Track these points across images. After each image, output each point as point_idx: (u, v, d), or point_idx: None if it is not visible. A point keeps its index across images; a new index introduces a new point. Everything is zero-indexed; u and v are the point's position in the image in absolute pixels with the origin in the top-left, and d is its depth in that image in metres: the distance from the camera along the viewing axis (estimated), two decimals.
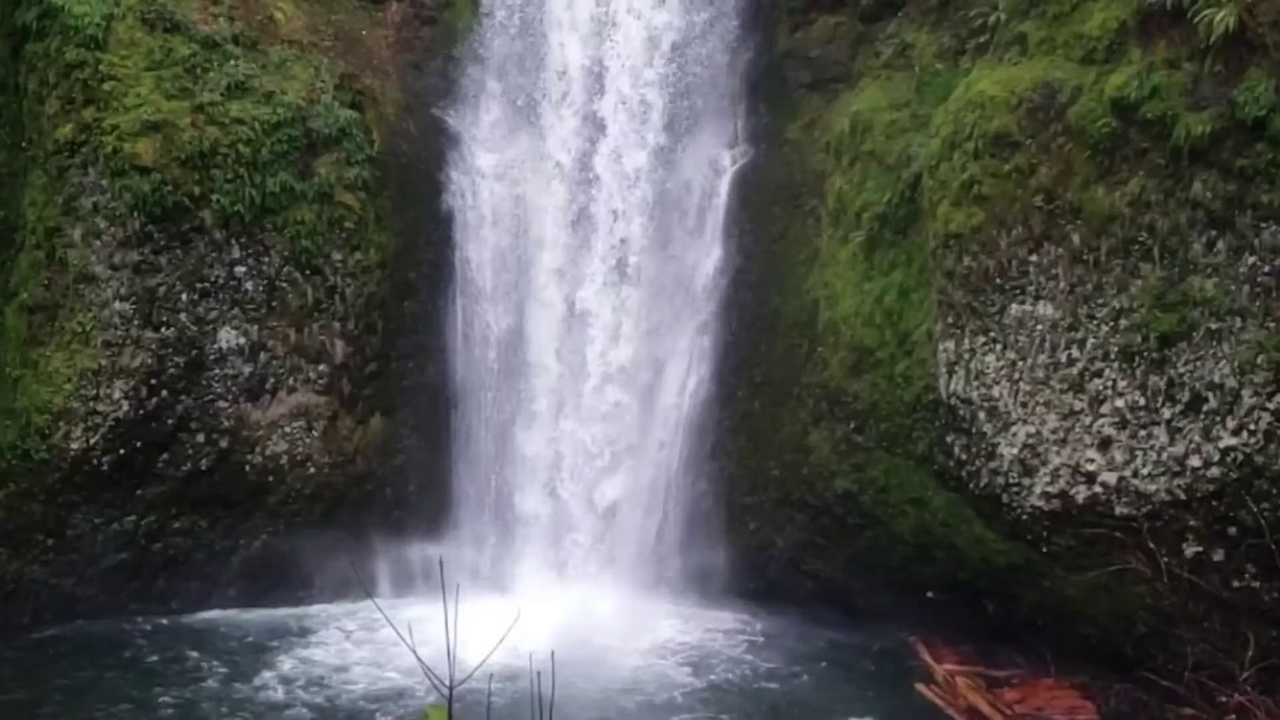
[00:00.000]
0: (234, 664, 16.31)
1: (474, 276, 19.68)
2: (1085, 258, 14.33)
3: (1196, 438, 13.74)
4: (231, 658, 16.53)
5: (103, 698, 15.20)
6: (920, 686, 15.69)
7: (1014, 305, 14.96)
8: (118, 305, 17.37)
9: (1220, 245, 13.45)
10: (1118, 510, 14.34)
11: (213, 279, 17.81)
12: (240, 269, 17.94)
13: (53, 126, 17.42)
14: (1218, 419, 13.56)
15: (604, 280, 19.16)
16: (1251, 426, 13.32)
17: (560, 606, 16.82)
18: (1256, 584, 13.57)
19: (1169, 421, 13.93)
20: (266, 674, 16.08)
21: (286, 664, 16.46)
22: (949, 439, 15.73)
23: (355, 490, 18.94)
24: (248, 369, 18.09)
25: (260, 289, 18.06)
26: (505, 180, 19.68)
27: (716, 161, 19.22)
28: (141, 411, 17.52)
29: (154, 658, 16.56)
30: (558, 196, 19.42)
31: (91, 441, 17.33)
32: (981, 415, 15.29)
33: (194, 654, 16.62)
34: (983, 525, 15.66)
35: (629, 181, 19.08)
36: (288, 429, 18.41)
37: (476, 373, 19.62)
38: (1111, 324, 14.23)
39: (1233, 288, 13.36)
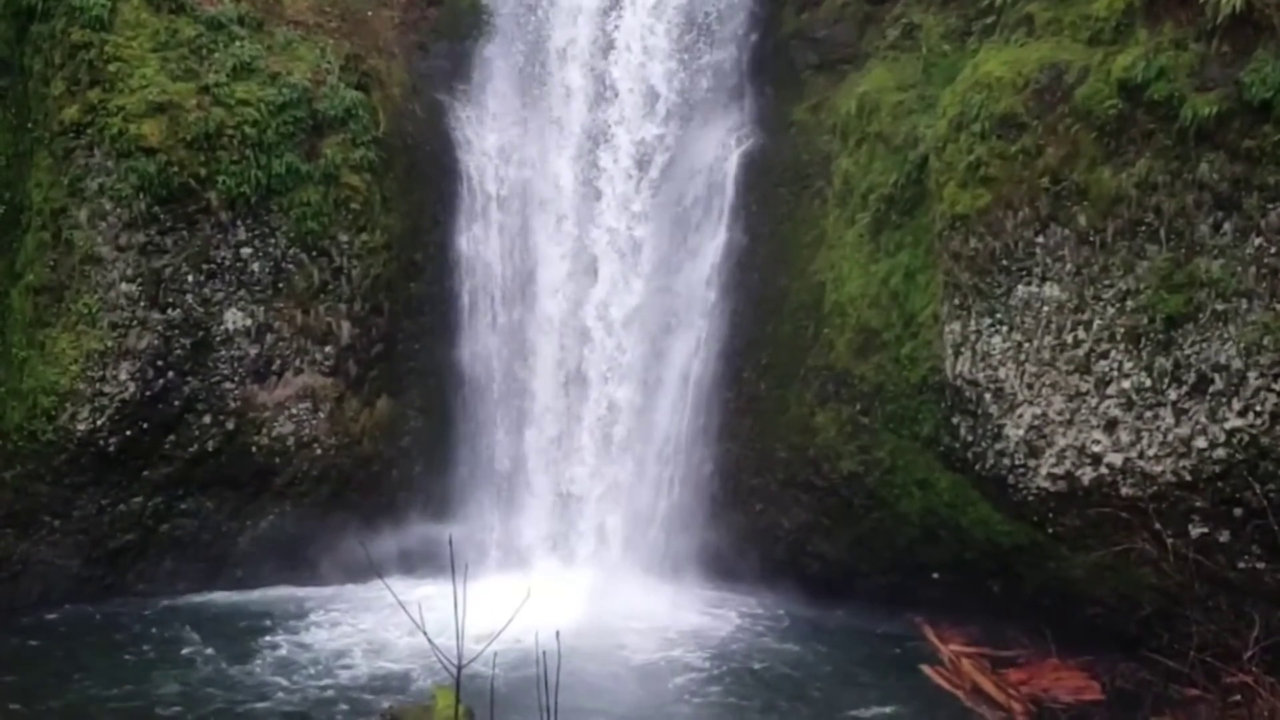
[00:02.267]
0: (237, 646, 16.26)
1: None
2: (1091, 239, 14.31)
3: (1202, 419, 13.73)
4: (234, 640, 16.49)
5: (102, 680, 15.15)
6: (926, 668, 15.72)
7: (1020, 287, 14.93)
8: (124, 286, 17.37)
9: (1227, 227, 13.42)
10: (1123, 491, 14.34)
11: (219, 260, 17.81)
12: (246, 250, 17.94)
13: (58, 108, 17.40)
14: (1223, 400, 13.55)
15: (595, 457, 19.15)
16: (1257, 408, 13.31)
17: (568, 590, 16.82)
18: (1261, 565, 13.59)
19: (1175, 403, 13.93)
20: (268, 656, 16.05)
21: (288, 646, 16.42)
22: (955, 420, 15.73)
23: (361, 471, 18.96)
24: (254, 350, 18.10)
25: (266, 270, 18.06)
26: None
27: (723, 144, 19.18)
28: (148, 393, 17.54)
29: (157, 639, 16.55)
30: (548, 357, 19.50)
31: (98, 423, 17.36)
32: (987, 397, 15.28)
33: (196, 636, 16.59)
34: (988, 506, 15.67)
35: (617, 340, 19.09)
36: (294, 410, 18.42)
37: None
38: (1118, 305, 14.21)
39: (1239, 269, 13.33)
